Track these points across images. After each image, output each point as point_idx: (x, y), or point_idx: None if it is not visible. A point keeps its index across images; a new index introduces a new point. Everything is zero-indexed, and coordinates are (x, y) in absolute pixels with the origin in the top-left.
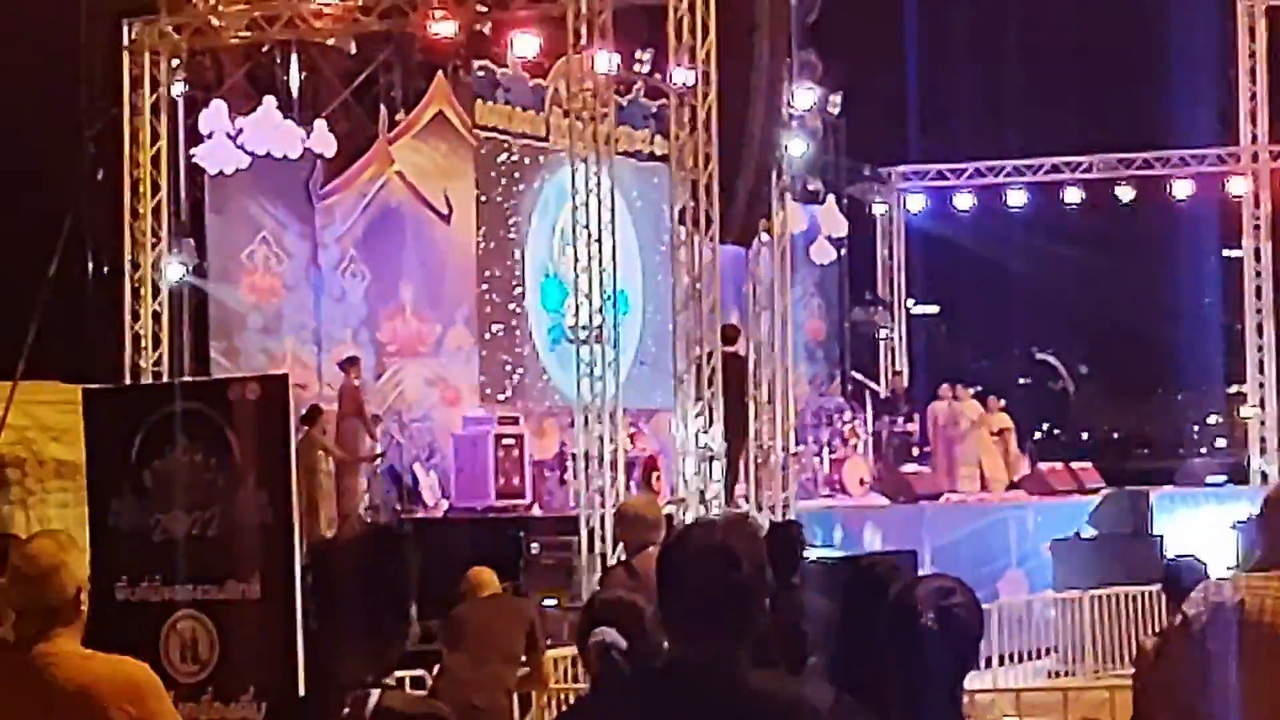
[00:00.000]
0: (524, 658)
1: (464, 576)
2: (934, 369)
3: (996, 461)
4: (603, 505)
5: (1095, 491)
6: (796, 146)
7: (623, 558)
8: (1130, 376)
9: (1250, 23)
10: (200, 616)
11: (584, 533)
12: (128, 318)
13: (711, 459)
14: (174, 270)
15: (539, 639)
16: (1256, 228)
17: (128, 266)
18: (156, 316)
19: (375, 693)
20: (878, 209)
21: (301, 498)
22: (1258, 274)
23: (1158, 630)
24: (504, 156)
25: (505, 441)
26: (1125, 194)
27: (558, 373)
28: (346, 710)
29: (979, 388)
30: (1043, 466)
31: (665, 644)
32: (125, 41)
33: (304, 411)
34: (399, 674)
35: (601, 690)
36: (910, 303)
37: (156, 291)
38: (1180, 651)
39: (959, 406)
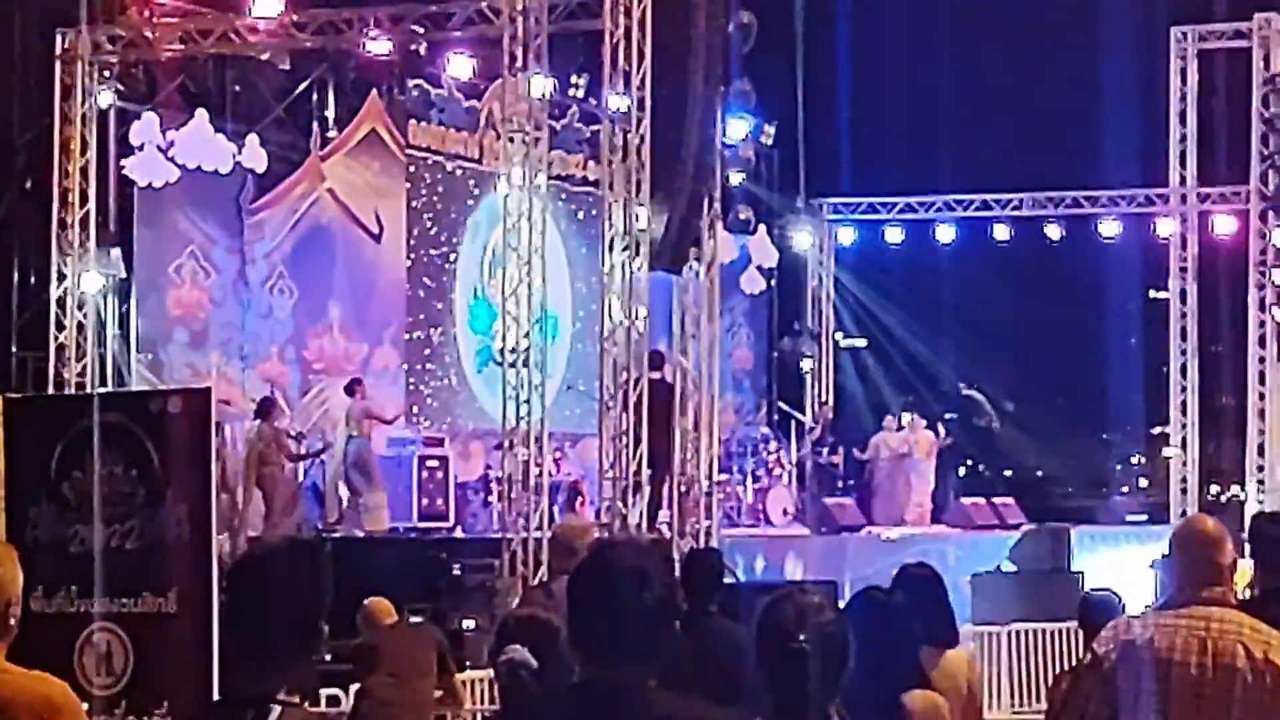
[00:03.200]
0: (438, 681)
1: (360, 609)
2: (860, 402)
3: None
4: (526, 529)
5: (1017, 527)
6: (729, 176)
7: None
8: (1055, 415)
9: (1182, 64)
10: (116, 629)
11: (506, 556)
12: (52, 328)
13: (635, 485)
14: (100, 282)
15: (449, 660)
16: (1184, 269)
17: (54, 276)
18: (81, 328)
19: (276, 709)
20: (807, 240)
21: (249, 491)
22: (1184, 315)
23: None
24: (436, 177)
25: (430, 463)
26: (1054, 232)
27: (484, 395)
28: None
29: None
30: (965, 501)
31: (577, 666)
32: (58, 51)
33: (258, 404)
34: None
35: (508, 709)
36: (838, 335)
37: (81, 303)
38: (1090, 687)
39: (913, 437)
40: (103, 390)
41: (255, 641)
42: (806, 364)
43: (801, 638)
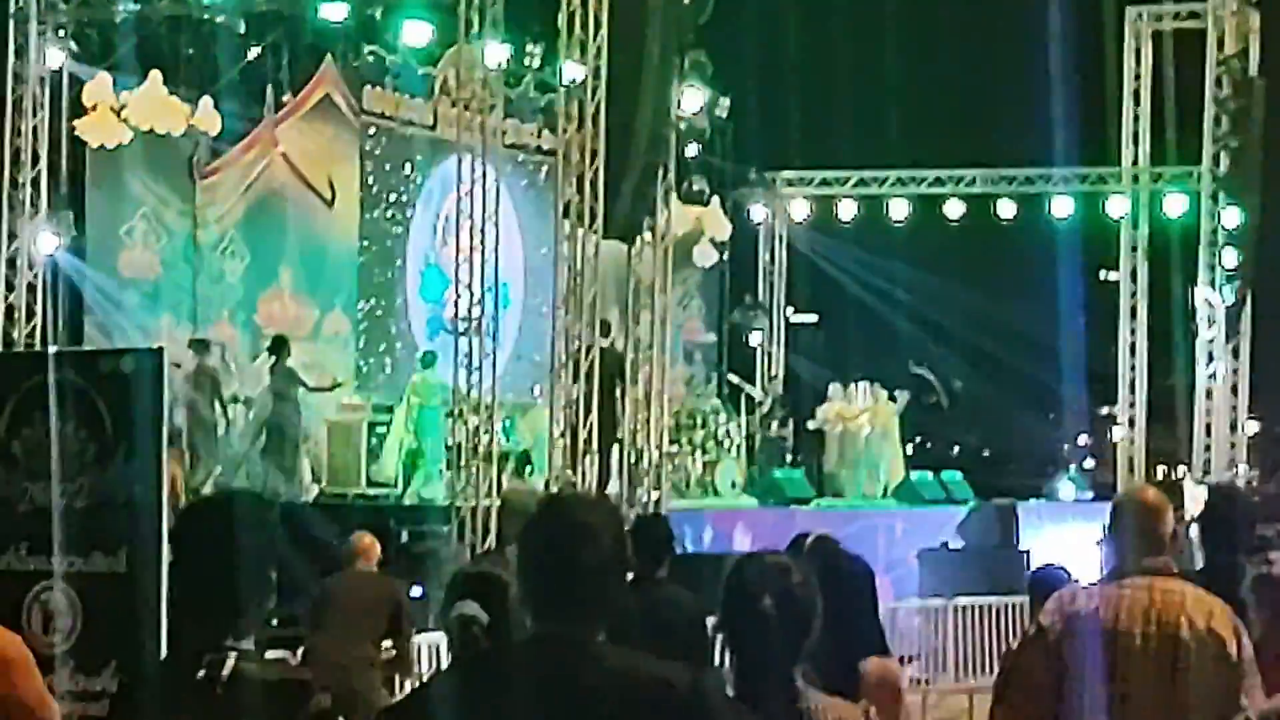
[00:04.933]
0: (390, 642)
1: (347, 541)
2: (810, 376)
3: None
4: (475, 496)
5: (964, 503)
6: (684, 148)
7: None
8: (1004, 393)
9: (1137, 45)
10: (65, 588)
11: (455, 523)
12: (2, 288)
13: (585, 453)
14: (52, 242)
15: (404, 623)
16: (1134, 249)
17: (4, 236)
18: (31, 288)
19: (232, 656)
20: (761, 214)
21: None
22: (1133, 295)
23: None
24: (390, 143)
25: (379, 429)
26: (1006, 210)
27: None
28: (202, 673)
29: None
30: (913, 476)
31: (528, 622)
32: (10, 10)
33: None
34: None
35: (460, 663)
36: (790, 310)
37: (32, 263)
38: (1036, 657)
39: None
40: (54, 349)
41: (206, 590)
42: (757, 337)
43: (767, 600)
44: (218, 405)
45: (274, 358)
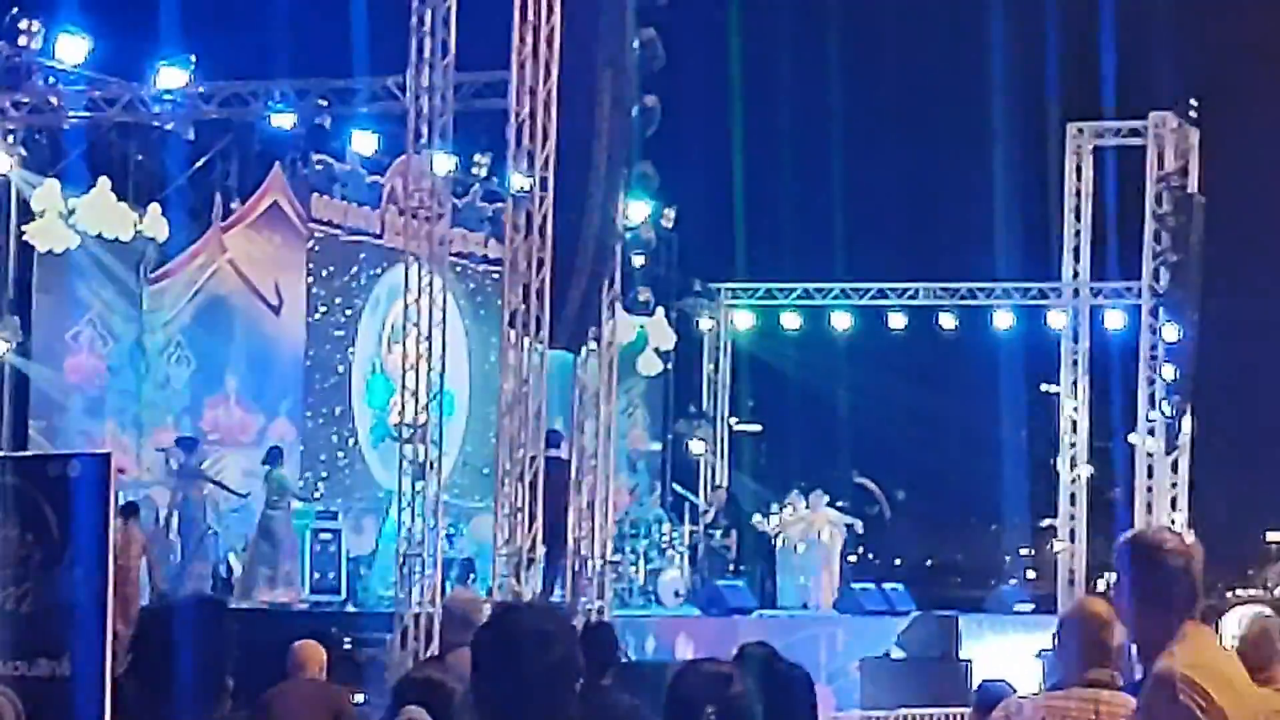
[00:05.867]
0: None
1: (290, 650)
2: (754, 486)
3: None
4: (419, 604)
5: (906, 614)
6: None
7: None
8: (946, 505)
9: (1077, 160)
10: (9, 692)
11: (399, 630)
12: None
13: (529, 561)
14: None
15: None
16: (1075, 362)
17: None
18: None
19: None
20: (706, 324)
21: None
22: (1075, 409)
23: None
24: (337, 251)
25: (323, 535)
26: (948, 322)
27: (379, 470)
28: None
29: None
30: (855, 586)
31: None
32: None
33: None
34: None
35: None
36: (733, 420)
37: None
38: None
39: (816, 516)
40: (1, 454)
41: (161, 695)
42: (700, 447)
43: (709, 709)
44: (207, 507)
45: (269, 467)
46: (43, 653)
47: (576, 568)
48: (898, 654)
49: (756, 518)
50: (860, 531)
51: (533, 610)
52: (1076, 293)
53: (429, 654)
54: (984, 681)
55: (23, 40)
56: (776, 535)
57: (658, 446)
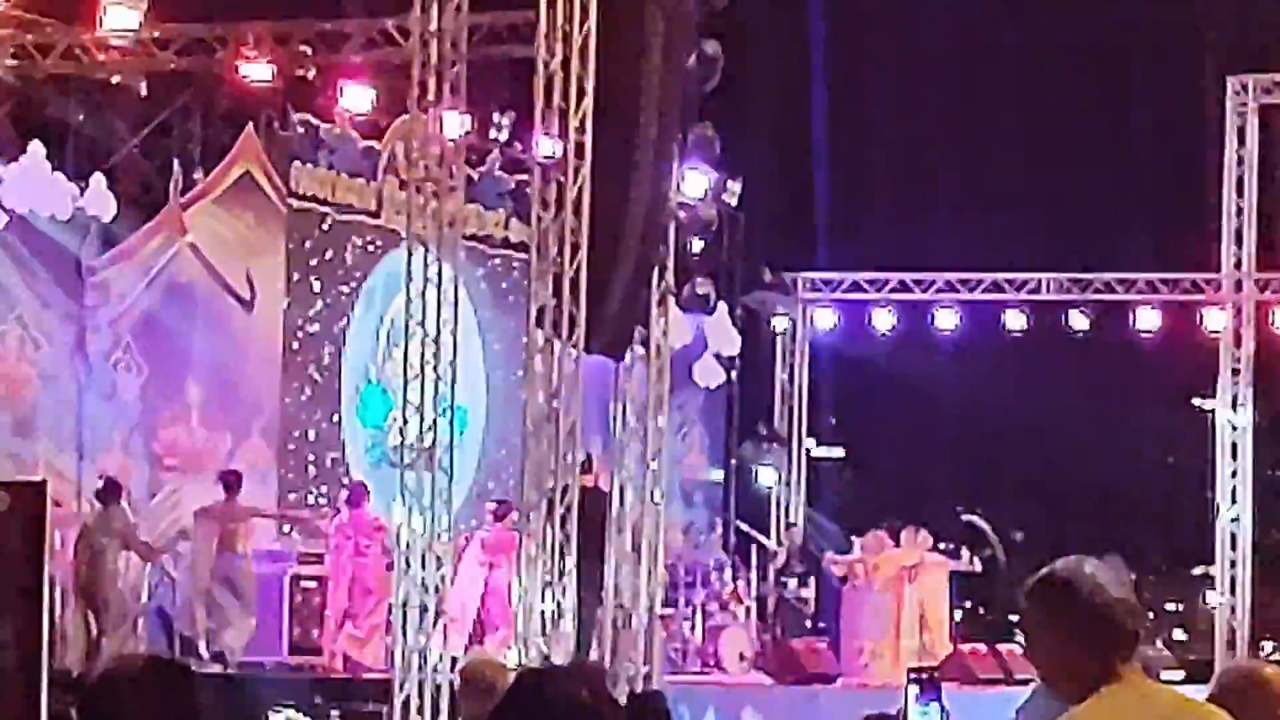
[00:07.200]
0: None
1: None
2: (835, 525)
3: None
4: (422, 668)
5: (1025, 683)
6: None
7: None
8: (1073, 547)
9: (1240, 123)
10: None
11: (398, 701)
12: None
13: (560, 616)
14: None
15: None
16: (1236, 372)
17: None
18: None
19: None
20: (778, 324)
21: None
22: (1234, 428)
23: None
24: (323, 233)
25: (305, 584)
26: (1079, 322)
27: (376, 502)
28: None
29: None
30: (964, 648)
31: None
32: None
33: (100, 485)
34: None
35: None
36: (811, 442)
37: None
38: None
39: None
40: None
41: None
42: (770, 476)
43: None
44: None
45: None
46: None
47: (619, 623)
48: None
49: (828, 556)
50: (971, 576)
51: (565, 675)
52: (1238, 286)
53: None
54: None
55: None
56: (844, 580)
57: (719, 475)
